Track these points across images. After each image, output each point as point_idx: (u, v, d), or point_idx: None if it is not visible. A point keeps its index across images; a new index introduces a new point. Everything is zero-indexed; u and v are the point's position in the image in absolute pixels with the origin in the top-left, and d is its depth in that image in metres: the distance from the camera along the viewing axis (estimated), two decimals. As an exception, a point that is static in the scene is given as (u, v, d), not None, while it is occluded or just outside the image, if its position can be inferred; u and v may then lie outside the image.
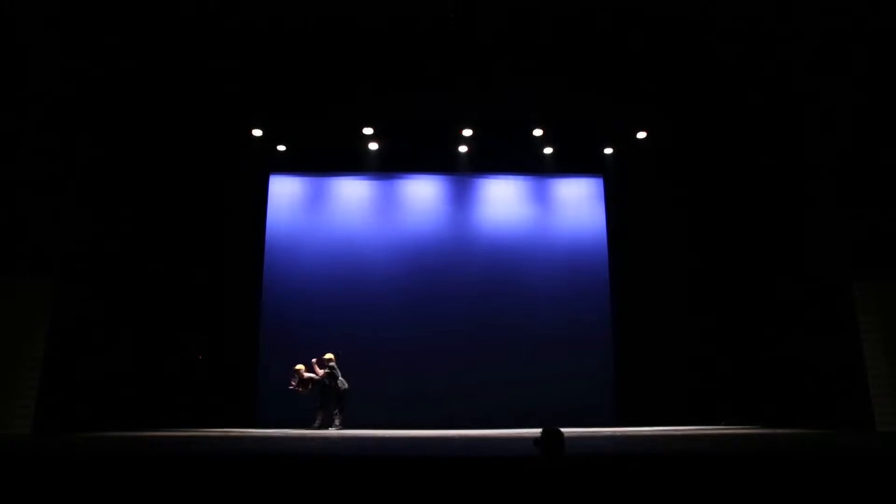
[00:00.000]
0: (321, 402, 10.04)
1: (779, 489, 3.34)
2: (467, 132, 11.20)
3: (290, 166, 11.93)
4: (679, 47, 9.40)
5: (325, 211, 12.17)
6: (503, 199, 12.36)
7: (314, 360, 10.09)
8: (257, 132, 11.13)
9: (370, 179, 12.26)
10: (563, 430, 4.11)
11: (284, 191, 12.15)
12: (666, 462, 4.08)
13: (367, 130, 11.26)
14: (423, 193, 12.39)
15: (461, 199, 12.34)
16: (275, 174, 12.08)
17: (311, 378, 10.00)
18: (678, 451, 4.89)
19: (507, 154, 11.74)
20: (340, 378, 9.96)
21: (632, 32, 9.06)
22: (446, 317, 11.44)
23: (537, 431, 4.26)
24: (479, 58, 9.40)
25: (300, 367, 10.04)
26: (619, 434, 8.01)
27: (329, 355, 10.06)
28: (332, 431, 9.29)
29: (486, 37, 9.15)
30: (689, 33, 9.11)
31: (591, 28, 8.98)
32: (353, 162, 11.68)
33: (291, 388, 9.91)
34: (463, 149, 11.66)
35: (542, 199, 12.47)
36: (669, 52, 9.50)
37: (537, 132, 11.30)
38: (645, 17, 8.75)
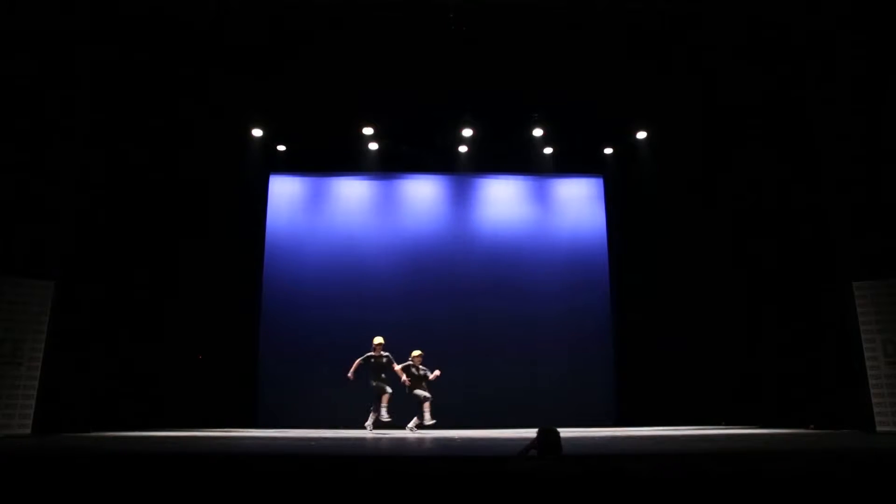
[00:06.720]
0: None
1: (778, 489, 3.34)
2: (467, 132, 11.19)
3: (290, 166, 11.94)
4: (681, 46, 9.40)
5: (325, 211, 12.17)
6: (503, 199, 12.36)
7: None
8: (257, 132, 11.13)
9: (370, 179, 12.26)
10: (562, 429, 4.11)
11: (284, 191, 12.15)
12: (665, 462, 4.08)
13: (367, 130, 11.26)
14: (423, 193, 12.39)
15: (461, 199, 12.33)
16: (275, 174, 12.08)
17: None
18: (678, 451, 4.89)
19: (507, 154, 11.73)
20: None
21: (631, 28, 9.06)
22: (446, 317, 11.43)
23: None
24: (479, 57, 9.39)
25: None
26: (618, 434, 8.01)
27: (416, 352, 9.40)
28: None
29: (484, 37, 9.14)
30: (691, 30, 9.10)
31: (590, 25, 8.98)
32: (353, 162, 11.68)
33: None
34: (463, 149, 11.66)
35: (542, 199, 12.48)
36: (671, 51, 9.50)
37: (537, 132, 11.29)
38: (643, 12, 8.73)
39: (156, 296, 10.15)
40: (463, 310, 11.48)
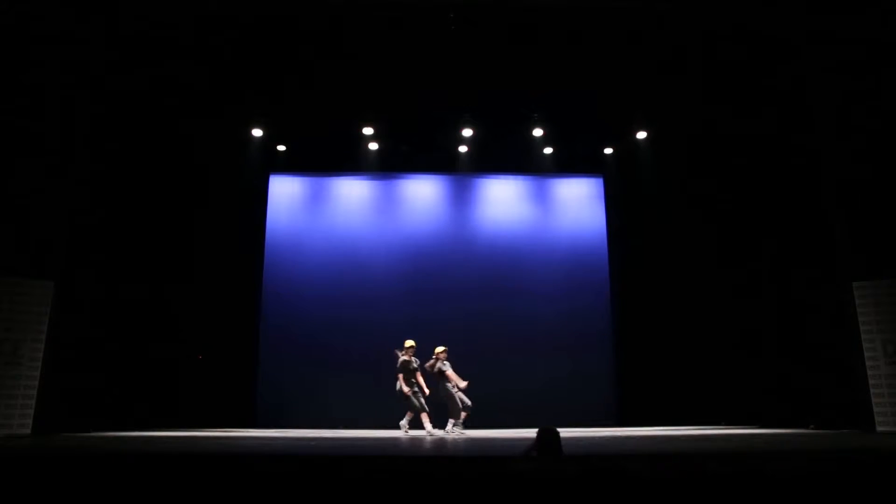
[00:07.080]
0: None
1: (779, 489, 3.34)
2: (467, 132, 11.19)
3: (290, 166, 11.94)
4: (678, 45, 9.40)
5: (325, 211, 12.17)
6: (503, 199, 12.36)
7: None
8: (257, 132, 11.13)
9: (370, 179, 12.26)
10: (562, 430, 4.11)
11: (284, 191, 12.15)
12: (665, 462, 4.08)
13: (367, 130, 11.26)
14: (423, 193, 12.39)
15: (461, 199, 12.33)
16: (275, 174, 12.08)
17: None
18: (678, 451, 4.89)
19: (507, 154, 11.73)
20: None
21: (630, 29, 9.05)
22: (446, 317, 11.39)
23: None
24: (479, 57, 9.38)
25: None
26: (618, 434, 8.01)
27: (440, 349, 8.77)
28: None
29: (484, 37, 9.14)
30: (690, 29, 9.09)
31: (591, 24, 8.97)
32: (353, 162, 11.67)
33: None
34: (463, 149, 11.66)
35: (542, 199, 12.47)
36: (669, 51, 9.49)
37: (537, 132, 11.29)
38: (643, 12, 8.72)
39: (155, 296, 10.14)
40: (463, 310, 11.46)
